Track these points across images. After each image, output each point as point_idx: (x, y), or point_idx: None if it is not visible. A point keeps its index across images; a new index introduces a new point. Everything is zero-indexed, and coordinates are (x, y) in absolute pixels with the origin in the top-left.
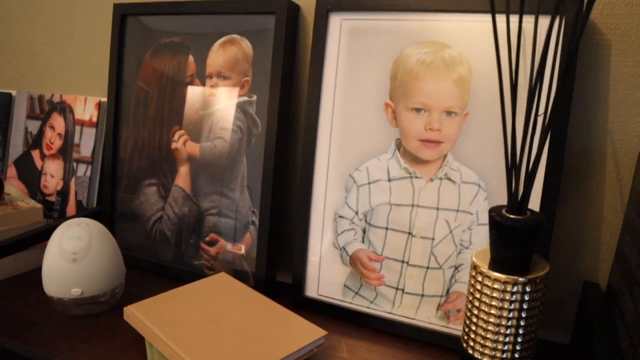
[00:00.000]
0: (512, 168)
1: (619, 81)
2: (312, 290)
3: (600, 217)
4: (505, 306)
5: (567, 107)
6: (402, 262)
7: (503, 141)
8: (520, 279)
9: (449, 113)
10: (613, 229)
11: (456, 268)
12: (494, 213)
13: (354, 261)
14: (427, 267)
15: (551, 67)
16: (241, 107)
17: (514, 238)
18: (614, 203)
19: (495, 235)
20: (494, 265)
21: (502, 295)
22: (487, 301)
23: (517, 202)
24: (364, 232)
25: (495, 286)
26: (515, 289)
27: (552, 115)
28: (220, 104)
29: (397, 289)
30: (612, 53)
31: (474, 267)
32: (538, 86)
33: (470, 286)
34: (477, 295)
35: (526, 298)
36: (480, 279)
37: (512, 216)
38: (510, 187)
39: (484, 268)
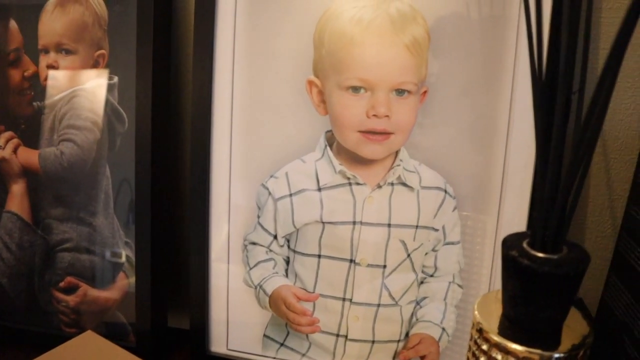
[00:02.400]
0: (545, 179)
1: (609, 44)
2: (219, 344)
3: (582, 217)
4: None
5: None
6: (343, 299)
7: (535, 141)
8: (557, 355)
9: (400, 92)
10: (599, 231)
11: (418, 303)
12: (516, 252)
13: (275, 302)
14: (378, 305)
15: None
16: (96, 95)
17: (551, 291)
18: (600, 200)
19: (519, 287)
20: (513, 330)
21: None
22: None
23: (552, 233)
24: (288, 262)
25: None
26: None
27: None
28: (64, 90)
29: (337, 335)
30: (602, 7)
31: (480, 333)
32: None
33: None
34: None
35: None
36: (497, 355)
37: (545, 256)
38: (542, 209)
39: (497, 337)
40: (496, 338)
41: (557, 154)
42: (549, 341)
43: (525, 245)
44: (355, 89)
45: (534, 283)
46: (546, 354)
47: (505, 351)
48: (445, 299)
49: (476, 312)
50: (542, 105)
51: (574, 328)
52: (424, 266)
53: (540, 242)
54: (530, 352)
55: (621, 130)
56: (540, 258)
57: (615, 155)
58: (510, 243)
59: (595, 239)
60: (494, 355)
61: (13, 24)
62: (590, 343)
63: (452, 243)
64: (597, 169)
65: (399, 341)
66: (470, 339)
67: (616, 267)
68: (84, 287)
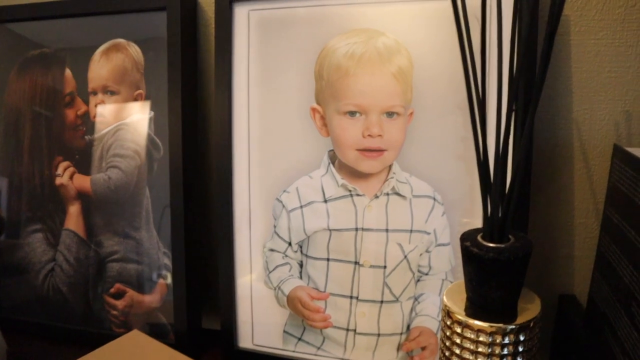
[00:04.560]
0: (487, 183)
1: (580, 62)
2: (245, 340)
3: (571, 220)
4: None
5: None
6: (351, 297)
7: (475, 151)
8: (510, 327)
9: (390, 114)
10: (587, 232)
11: (416, 299)
12: (469, 242)
13: (292, 302)
14: (381, 301)
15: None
16: (137, 128)
17: (498, 274)
18: (585, 204)
19: (473, 272)
20: (473, 309)
21: (489, 350)
22: (471, 358)
23: (497, 225)
24: (301, 265)
25: (481, 338)
26: (506, 339)
27: (533, 109)
28: (110, 125)
29: (347, 329)
30: (571, 30)
31: (448, 313)
32: (517, 75)
33: (446, 338)
34: (457, 351)
35: (520, 349)
36: (458, 329)
37: (492, 245)
38: (486, 207)
39: (461, 315)
40: (458, 316)
41: (499, 168)
42: (505, 318)
43: (479, 237)
44: (352, 113)
45: (483, 268)
46: (499, 326)
47: (465, 325)
48: (440, 295)
49: (444, 297)
50: (481, 123)
51: (528, 308)
52: (419, 266)
53: (489, 235)
54: (491, 326)
55: (598, 139)
56: (486, 246)
57: (596, 162)
58: (466, 236)
59: (584, 240)
60: (455, 329)
61: (68, 72)
62: (539, 318)
63: (443, 244)
64: (580, 175)
65: (401, 334)
66: (443, 323)
67: (598, 264)
68: (130, 293)
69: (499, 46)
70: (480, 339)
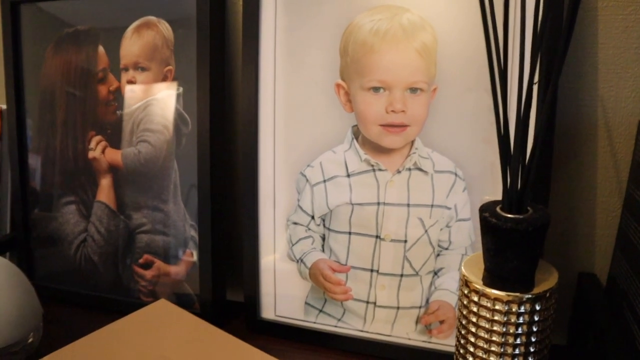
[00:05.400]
0: (507, 155)
1: (607, 39)
2: (268, 311)
3: (593, 198)
4: (511, 330)
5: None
6: (371, 270)
7: (495, 123)
8: (527, 296)
9: (413, 90)
10: (609, 211)
11: (435, 273)
12: (488, 213)
13: (314, 274)
14: (401, 275)
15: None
16: (166, 103)
17: (516, 244)
18: (608, 182)
19: (490, 242)
20: (491, 279)
21: (505, 318)
22: (487, 326)
23: (515, 197)
24: (324, 239)
25: (497, 307)
26: (522, 308)
27: (554, 84)
28: (140, 100)
29: (367, 302)
30: (598, 6)
31: (466, 282)
32: (540, 49)
33: (463, 307)
34: (474, 319)
35: (535, 318)
36: (475, 298)
37: (511, 216)
38: (505, 178)
39: (479, 284)
40: (476, 285)
41: (519, 140)
42: (521, 287)
43: (497, 209)
44: (376, 89)
45: (501, 238)
46: (516, 295)
47: (482, 294)
48: (459, 270)
49: (462, 267)
50: (502, 94)
51: (545, 279)
52: (439, 240)
53: (508, 206)
54: (507, 295)
55: (624, 117)
56: (505, 217)
57: (620, 139)
58: (484, 207)
59: (607, 218)
60: (472, 298)
61: (101, 49)
62: (556, 289)
63: (464, 220)
64: (604, 152)
65: (420, 307)
66: (461, 292)
67: (619, 242)
68: (158, 263)
69: (522, 13)
70: (497, 307)
